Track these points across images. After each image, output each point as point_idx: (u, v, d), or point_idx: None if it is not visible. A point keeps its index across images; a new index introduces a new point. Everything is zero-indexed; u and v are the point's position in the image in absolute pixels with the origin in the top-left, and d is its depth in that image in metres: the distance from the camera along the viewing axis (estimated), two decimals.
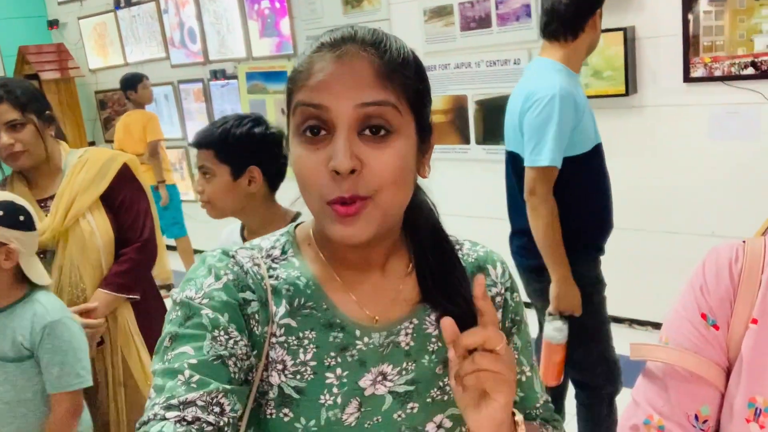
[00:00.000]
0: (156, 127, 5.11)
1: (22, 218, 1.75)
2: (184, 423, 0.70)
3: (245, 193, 1.70)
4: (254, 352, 0.81)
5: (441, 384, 0.87)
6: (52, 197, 2.04)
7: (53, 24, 6.90)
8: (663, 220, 3.62)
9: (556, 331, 2.24)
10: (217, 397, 0.73)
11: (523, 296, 1.13)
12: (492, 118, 4.05)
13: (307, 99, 0.77)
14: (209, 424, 0.71)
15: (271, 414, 0.82)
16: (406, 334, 0.86)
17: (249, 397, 0.81)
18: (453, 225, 0.94)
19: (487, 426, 0.76)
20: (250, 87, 5.35)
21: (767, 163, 3.23)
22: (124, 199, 2.10)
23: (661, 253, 3.58)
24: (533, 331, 1.19)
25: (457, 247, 0.93)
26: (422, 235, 0.89)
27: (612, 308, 2.40)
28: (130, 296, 2.11)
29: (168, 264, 2.43)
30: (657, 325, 3.60)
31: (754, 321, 0.80)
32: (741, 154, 3.32)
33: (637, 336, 3.29)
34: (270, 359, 0.82)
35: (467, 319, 0.79)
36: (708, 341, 0.82)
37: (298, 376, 0.82)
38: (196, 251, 5.48)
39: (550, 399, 0.99)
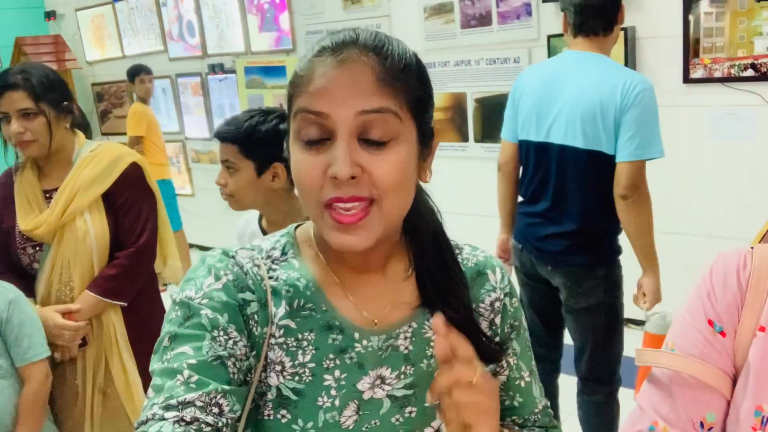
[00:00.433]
0: (138, 123, 4.99)
1: None
2: (183, 423, 0.70)
3: (268, 189, 1.69)
4: (253, 353, 0.81)
5: None
6: (57, 189, 2.02)
7: (50, 15, 6.87)
8: (661, 220, 3.59)
9: (662, 319, 2.21)
10: (216, 397, 0.73)
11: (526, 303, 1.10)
12: (491, 116, 4.05)
13: (308, 105, 0.76)
14: (208, 424, 0.71)
15: (268, 415, 0.82)
16: (405, 338, 0.86)
17: (247, 397, 0.81)
18: (451, 223, 0.93)
19: None
20: (248, 81, 5.33)
21: (766, 164, 3.24)
22: (126, 201, 2.05)
23: (659, 254, 3.57)
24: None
25: (457, 251, 0.93)
26: (422, 238, 0.89)
27: None
28: (116, 302, 2.06)
29: (179, 266, 2.31)
30: None
31: (762, 329, 0.79)
32: (740, 156, 3.32)
33: (635, 336, 3.29)
34: (269, 360, 0.82)
35: (467, 324, 0.78)
36: (714, 348, 0.82)
37: (297, 378, 0.82)
38: (191, 246, 5.46)
39: (549, 404, 0.99)
